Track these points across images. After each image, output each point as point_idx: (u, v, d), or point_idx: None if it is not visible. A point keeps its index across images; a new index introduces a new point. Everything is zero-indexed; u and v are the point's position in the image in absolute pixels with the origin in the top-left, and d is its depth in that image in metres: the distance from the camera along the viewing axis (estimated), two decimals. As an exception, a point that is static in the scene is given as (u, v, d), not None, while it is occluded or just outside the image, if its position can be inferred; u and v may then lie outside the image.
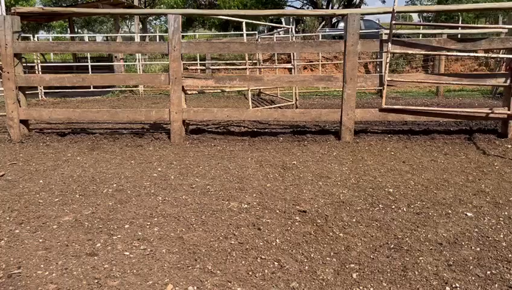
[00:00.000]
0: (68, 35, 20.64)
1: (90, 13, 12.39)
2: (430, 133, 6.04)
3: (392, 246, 2.71)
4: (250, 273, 2.41)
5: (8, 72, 5.78)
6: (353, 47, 5.53)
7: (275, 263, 2.52)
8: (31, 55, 14.64)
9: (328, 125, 6.86)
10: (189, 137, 6.03)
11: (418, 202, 3.43)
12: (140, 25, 25.31)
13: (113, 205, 3.44)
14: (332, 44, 6.01)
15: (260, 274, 2.39)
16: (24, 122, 6.10)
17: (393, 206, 3.35)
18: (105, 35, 31.55)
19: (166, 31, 9.24)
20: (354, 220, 3.11)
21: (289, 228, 2.99)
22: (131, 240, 2.81)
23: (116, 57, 14.75)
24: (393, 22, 5.45)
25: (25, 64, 6.65)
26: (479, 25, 15.61)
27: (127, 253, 2.64)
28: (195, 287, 2.27)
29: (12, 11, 5.87)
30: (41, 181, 4.06)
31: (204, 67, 10.65)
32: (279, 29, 15.61)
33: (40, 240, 2.82)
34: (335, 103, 10.47)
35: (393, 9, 5.33)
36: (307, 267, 2.47)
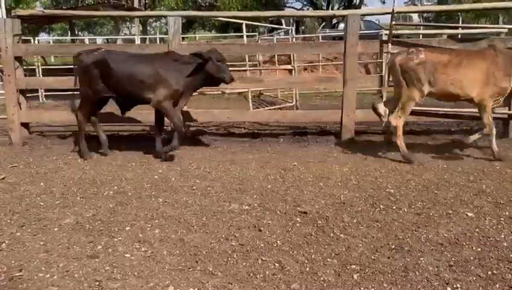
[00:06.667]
0: (69, 38, 20.66)
1: (90, 16, 12.44)
2: (431, 134, 6.03)
3: (393, 246, 2.71)
4: (251, 274, 2.41)
5: (9, 75, 5.78)
6: (353, 48, 5.52)
7: (276, 264, 2.52)
8: (32, 58, 14.66)
9: (329, 126, 6.85)
10: (190, 139, 6.01)
11: (419, 203, 3.43)
12: (141, 27, 25.34)
13: (114, 207, 3.44)
14: (333, 45, 6.04)
15: (261, 275, 2.40)
16: (25, 125, 6.10)
17: (394, 207, 3.35)
18: (106, 37, 31.60)
19: (166, 33, 9.26)
20: (354, 221, 3.11)
21: (290, 229, 2.99)
22: (132, 242, 2.81)
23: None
24: (393, 22, 5.45)
25: (25, 67, 6.66)
26: (479, 25, 15.59)
27: (128, 255, 2.65)
28: (196, 289, 2.27)
29: (12, 14, 5.88)
30: (42, 184, 4.06)
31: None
32: (279, 31, 15.62)
33: (41, 243, 2.83)
34: (335, 104, 10.45)
35: (393, 10, 5.33)
36: (307, 268, 2.47)
